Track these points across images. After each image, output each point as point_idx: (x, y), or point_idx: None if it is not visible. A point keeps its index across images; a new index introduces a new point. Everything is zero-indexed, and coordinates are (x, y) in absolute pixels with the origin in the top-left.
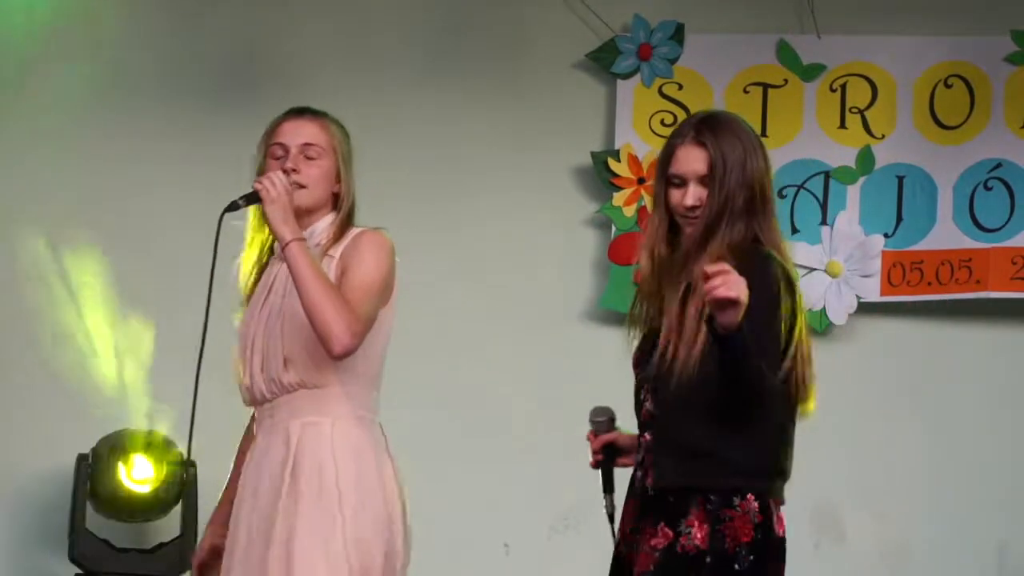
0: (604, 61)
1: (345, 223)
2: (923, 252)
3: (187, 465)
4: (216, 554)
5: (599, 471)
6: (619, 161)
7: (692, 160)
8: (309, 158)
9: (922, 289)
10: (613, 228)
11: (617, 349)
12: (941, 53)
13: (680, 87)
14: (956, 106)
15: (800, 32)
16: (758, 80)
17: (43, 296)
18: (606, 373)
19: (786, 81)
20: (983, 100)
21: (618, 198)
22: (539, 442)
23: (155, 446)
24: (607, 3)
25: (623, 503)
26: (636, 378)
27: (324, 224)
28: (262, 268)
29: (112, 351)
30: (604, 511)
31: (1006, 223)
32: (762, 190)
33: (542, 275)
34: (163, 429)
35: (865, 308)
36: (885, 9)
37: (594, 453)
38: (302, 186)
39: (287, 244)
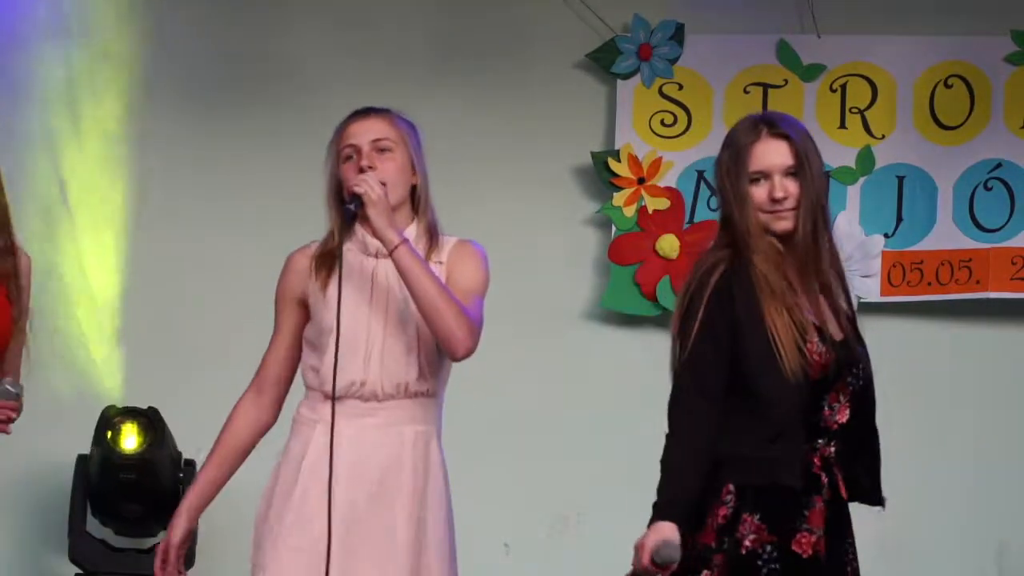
0: (604, 61)
1: (434, 227)
2: (923, 252)
3: (183, 463)
4: (187, 539)
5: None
6: (619, 161)
7: (776, 154)
8: (382, 151)
9: (922, 289)
10: (613, 228)
11: (617, 349)
12: (941, 53)
13: (680, 87)
14: (956, 106)
15: (800, 32)
16: (758, 80)
17: (44, 296)
18: (606, 373)
19: (786, 81)
20: (983, 100)
21: (618, 198)
22: (539, 442)
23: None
24: (607, 3)
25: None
26: (814, 382)
27: (412, 231)
28: (332, 259)
29: (113, 351)
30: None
31: (1006, 223)
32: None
33: (542, 275)
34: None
35: (865, 308)
36: (885, 9)
37: None
38: (383, 183)
39: (396, 248)
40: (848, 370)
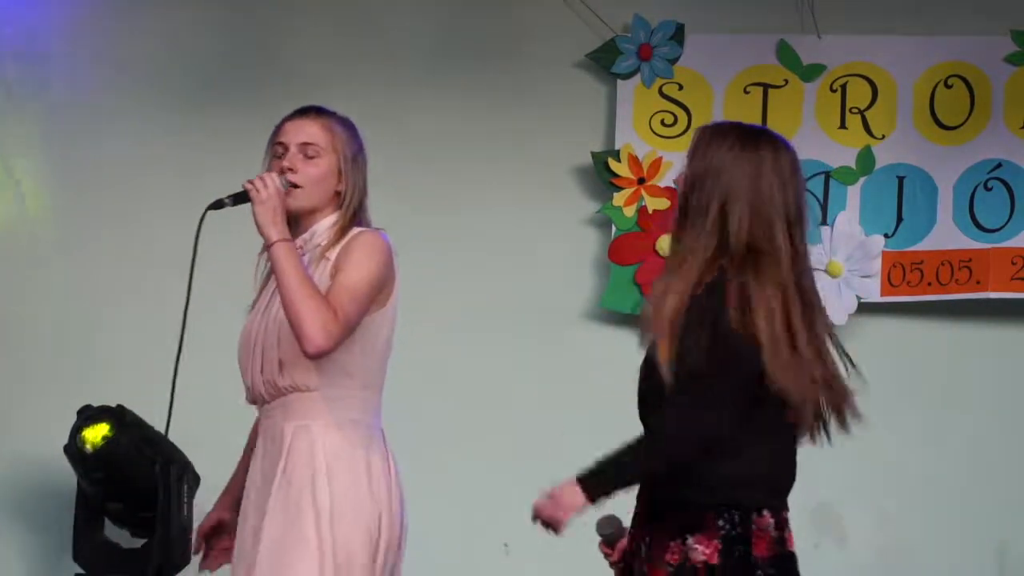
0: (604, 61)
1: (348, 224)
2: (923, 252)
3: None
4: (220, 528)
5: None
6: (619, 161)
7: None
8: (308, 157)
9: (922, 289)
10: (613, 228)
11: (617, 349)
12: (941, 53)
13: (680, 87)
14: (956, 106)
15: (800, 32)
16: (758, 80)
17: (44, 297)
18: (606, 373)
19: (786, 81)
20: (983, 100)
21: (618, 198)
22: (539, 442)
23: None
24: (607, 3)
25: None
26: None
27: (326, 225)
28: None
29: (114, 351)
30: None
31: (1006, 223)
32: None
33: (542, 275)
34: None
35: (865, 308)
36: (885, 9)
37: (615, 564)
38: (296, 186)
39: (271, 245)
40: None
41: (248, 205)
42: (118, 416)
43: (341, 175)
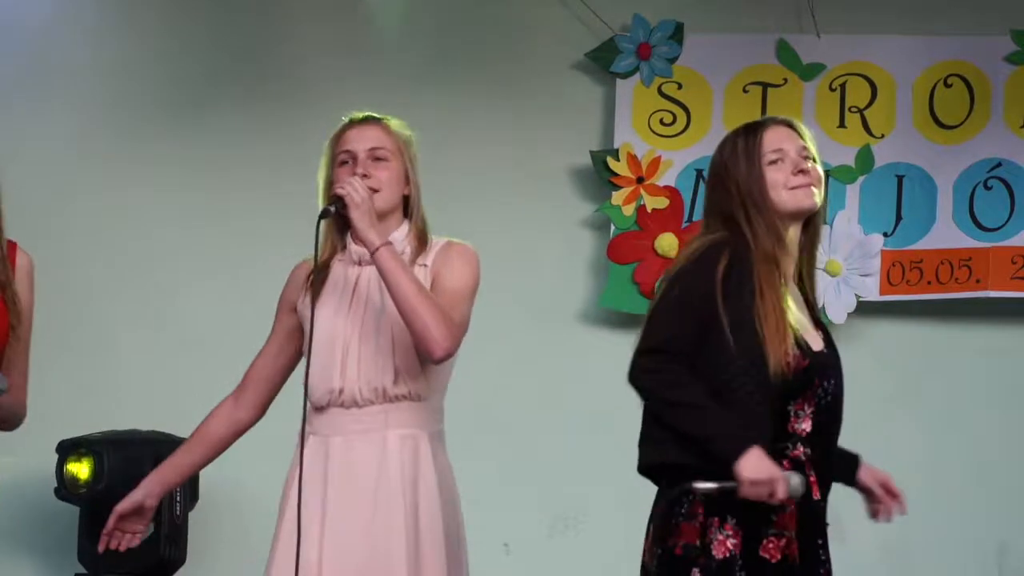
0: (604, 61)
1: (423, 231)
2: (923, 251)
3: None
4: (139, 512)
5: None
6: (618, 160)
7: (788, 137)
8: (378, 159)
9: (922, 288)
10: (612, 227)
11: (616, 348)
12: (941, 53)
13: (680, 86)
14: (956, 106)
15: (800, 32)
16: (758, 79)
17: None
18: (606, 372)
19: (786, 80)
20: (983, 100)
21: (617, 197)
22: (539, 442)
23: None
24: (607, 3)
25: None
26: (784, 384)
27: (402, 233)
28: (324, 274)
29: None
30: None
31: (1006, 222)
32: None
33: (541, 274)
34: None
35: (864, 307)
36: (885, 9)
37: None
38: (375, 190)
39: (377, 249)
40: (820, 382)
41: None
42: (97, 451)
43: (408, 178)
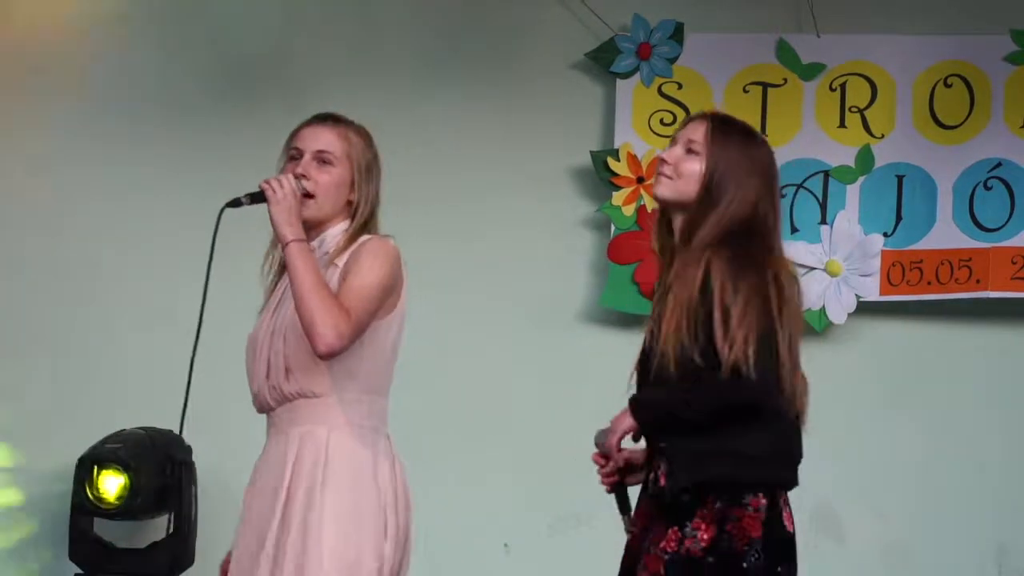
0: (603, 61)
1: (358, 232)
2: (923, 251)
3: (178, 464)
4: None
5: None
6: (618, 160)
7: (691, 128)
8: (323, 163)
9: (922, 289)
10: (612, 227)
11: (616, 348)
12: (941, 52)
13: (680, 86)
14: (956, 105)
15: (799, 31)
16: (757, 79)
17: (43, 297)
18: (606, 372)
19: (785, 80)
20: (983, 99)
21: (617, 197)
22: (539, 442)
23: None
24: (606, 3)
25: None
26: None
27: (335, 232)
28: (280, 271)
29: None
30: (624, 528)
31: (1006, 223)
32: None
33: (541, 274)
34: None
35: (865, 307)
36: (885, 8)
37: (607, 476)
38: (310, 195)
39: (287, 244)
40: (648, 368)
41: (261, 206)
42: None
43: (354, 185)
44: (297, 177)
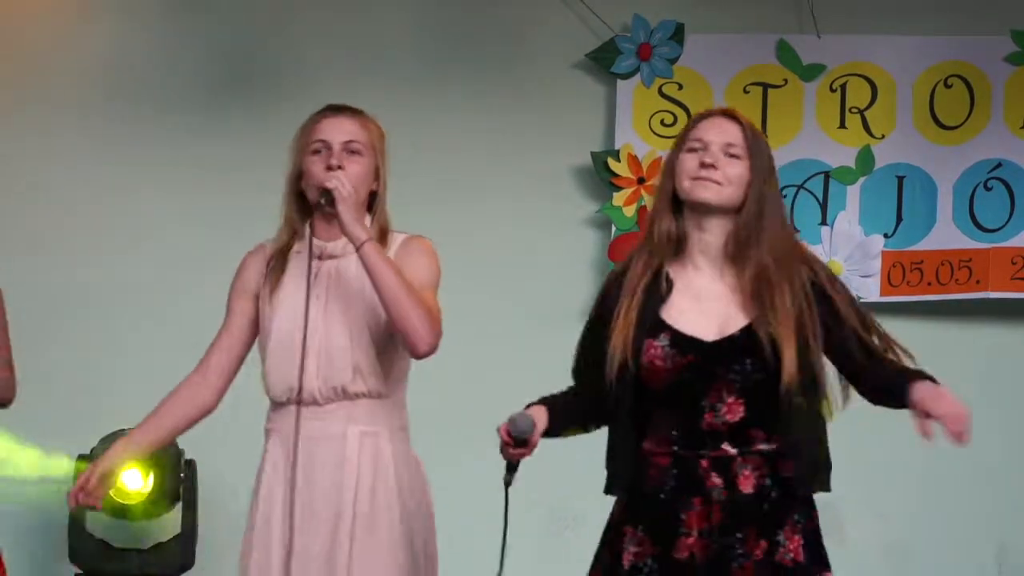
0: (604, 61)
1: (386, 227)
2: (923, 252)
3: (185, 464)
4: (111, 474)
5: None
6: (619, 161)
7: (719, 130)
8: (352, 152)
9: (922, 289)
10: (613, 228)
11: None
12: (941, 53)
13: (680, 87)
14: (956, 106)
15: (800, 32)
16: (758, 80)
17: (41, 296)
18: None
19: (786, 81)
20: (983, 100)
21: (618, 198)
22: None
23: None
24: (607, 3)
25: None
26: (659, 391)
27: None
28: (283, 264)
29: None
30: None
31: (1006, 223)
32: None
33: (542, 275)
34: None
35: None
36: (885, 9)
37: (514, 453)
38: None
39: (363, 244)
40: (728, 367)
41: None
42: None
43: (378, 174)
44: (331, 168)
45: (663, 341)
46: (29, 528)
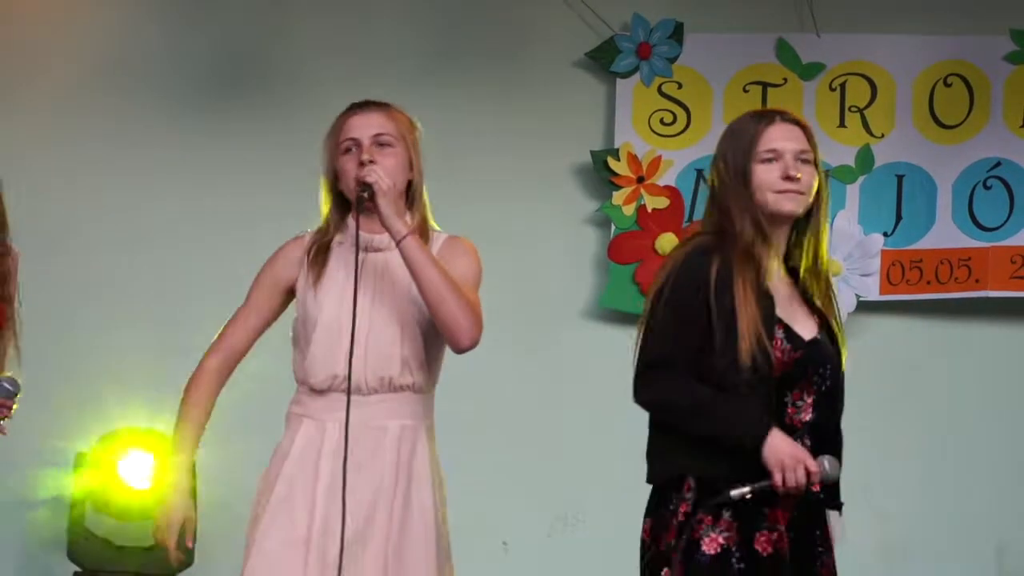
0: (604, 60)
1: (426, 222)
2: (922, 251)
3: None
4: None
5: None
6: (618, 160)
7: (790, 137)
8: (382, 145)
9: (921, 288)
10: (613, 227)
11: (616, 348)
12: (940, 52)
13: (679, 86)
14: (955, 105)
15: (799, 31)
16: (757, 79)
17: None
18: (605, 372)
19: (785, 80)
20: (982, 99)
21: (617, 197)
22: (539, 442)
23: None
24: (607, 2)
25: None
26: (776, 379)
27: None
28: (325, 254)
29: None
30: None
31: (1005, 222)
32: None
33: (541, 274)
34: (163, 427)
35: (864, 307)
36: (884, 8)
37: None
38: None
39: (404, 238)
40: (815, 370)
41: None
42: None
43: (412, 164)
44: (363, 164)
45: (780, 334)
46: (29, 528)
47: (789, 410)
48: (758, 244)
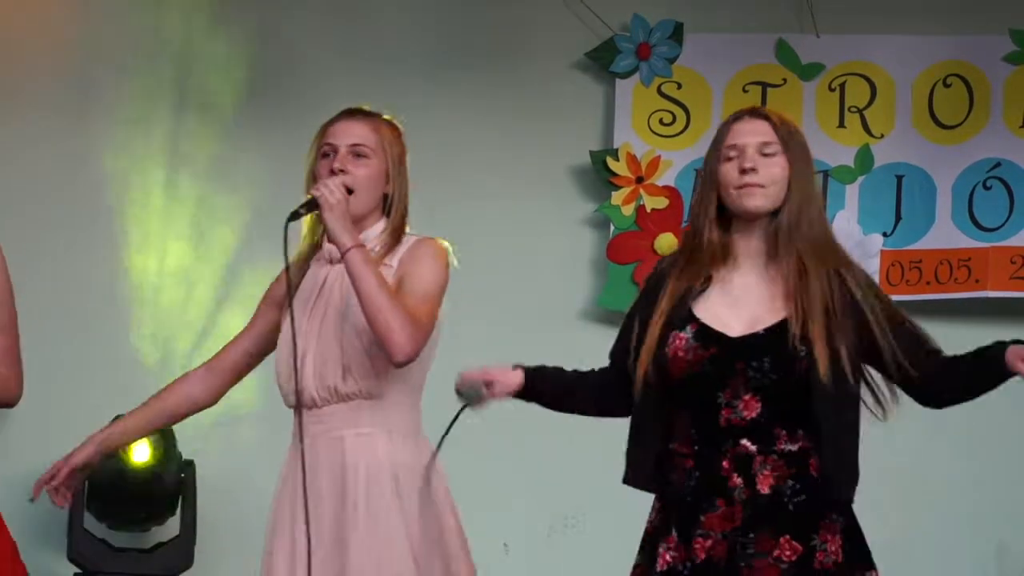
0: (603, 60)
1: (399, 230)
2: (922, 251)
3: (185, 464)
4: (85, 468)
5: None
6: (618, 160)
7: (751, 131)
8: (358, 156)
9: (921, 288)
10: (612, 227)
11: None
12: (940, 52)
13: (679, 86)
14: (955, 105)
15: (799, 31)
16: (757, 79)
17: (39, 295)
18: None
19: (785, 80)
20: (982, 99)
21: (617, 197)
22: (538, 442)
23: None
24: (606, 2)
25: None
26: (679, 380)
27: (376, 231)
28: (303, 271)
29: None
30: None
31: (1005, 222)
32: None
33: (540, 274)
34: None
35: None
36: (884, 8)
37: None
38: (349, 189)
39: (348, 250)
40: (747, 364)
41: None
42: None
43: (388, 177)
44: (335, 172)
45: (688, 333)
46: (29, 528)
47: (723, 411)
48: (719, 248)
